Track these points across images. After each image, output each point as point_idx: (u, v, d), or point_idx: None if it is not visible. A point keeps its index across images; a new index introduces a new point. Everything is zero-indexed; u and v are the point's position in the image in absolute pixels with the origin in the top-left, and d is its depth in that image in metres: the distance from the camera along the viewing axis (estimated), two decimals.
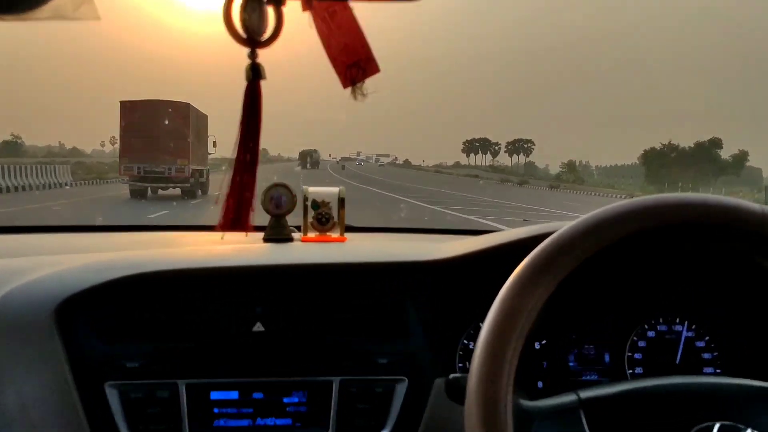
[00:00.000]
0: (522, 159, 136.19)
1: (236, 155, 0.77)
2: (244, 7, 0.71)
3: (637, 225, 0.71)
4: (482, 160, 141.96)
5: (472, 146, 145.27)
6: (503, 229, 1.34)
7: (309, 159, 59.06)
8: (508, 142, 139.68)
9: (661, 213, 0.72)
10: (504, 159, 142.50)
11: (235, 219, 0.83)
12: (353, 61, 0.75)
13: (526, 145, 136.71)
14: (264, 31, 0.71)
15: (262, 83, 0.76)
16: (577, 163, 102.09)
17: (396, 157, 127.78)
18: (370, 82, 0.76)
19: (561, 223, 0.80)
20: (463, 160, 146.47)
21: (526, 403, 0.75)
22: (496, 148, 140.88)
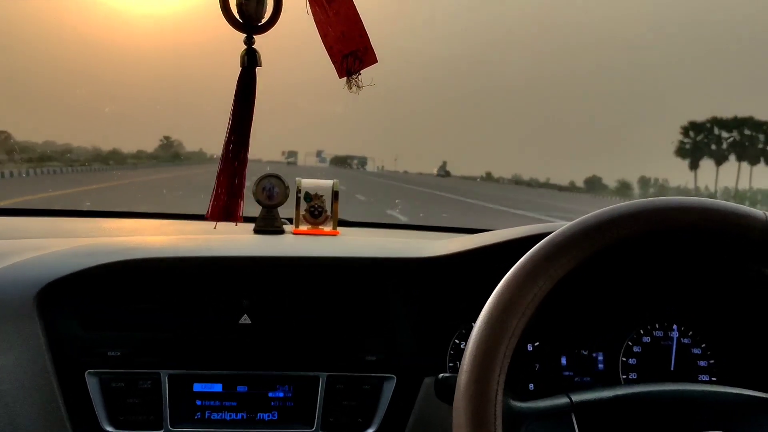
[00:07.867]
0: None
1: (225, 144, 0.76)
2: None
3: (637, 228, 0.70)
4: (716, 175, 48.14)
5: (700, 142, 48.91)
6: None
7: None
8: None
9: (659, 216, 0.70)
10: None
11: (224, 209, 0.82)
12: (350, 50, 0.73)
13: None
14: (262, 16, 0.70)
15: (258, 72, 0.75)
16: None
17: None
18: (366, 74, 0.74)
19: (560, 222, 0.79)
20: (648, 172, 59.99)
21: (517, 404, 0.74)
22: None
